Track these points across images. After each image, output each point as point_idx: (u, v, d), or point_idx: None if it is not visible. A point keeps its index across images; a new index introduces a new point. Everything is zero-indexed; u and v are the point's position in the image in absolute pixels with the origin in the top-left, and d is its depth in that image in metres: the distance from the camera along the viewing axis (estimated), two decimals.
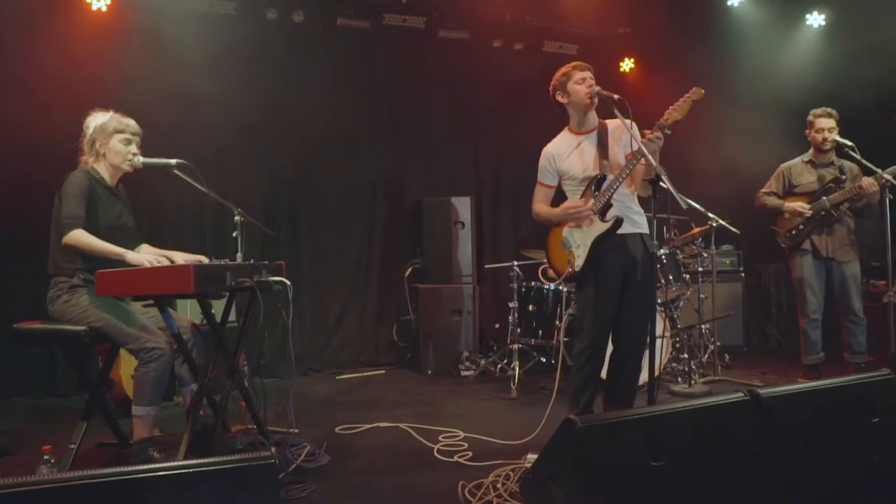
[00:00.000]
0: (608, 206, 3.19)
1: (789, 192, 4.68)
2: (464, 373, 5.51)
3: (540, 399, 4.44)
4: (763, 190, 4.78)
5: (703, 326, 5.21)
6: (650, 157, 2.87)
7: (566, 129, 3.43)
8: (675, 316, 5.14)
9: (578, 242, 3.27)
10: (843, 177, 4.47)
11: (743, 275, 6.44)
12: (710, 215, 4.87)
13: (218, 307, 3.49)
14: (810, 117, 4.56)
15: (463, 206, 5.92)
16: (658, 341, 4.51)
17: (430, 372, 5.60)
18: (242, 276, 2.93)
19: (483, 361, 5.53)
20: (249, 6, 5.46)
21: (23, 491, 1.37)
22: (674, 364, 5.09)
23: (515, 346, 5.07)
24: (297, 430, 3.51)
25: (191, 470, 1.54)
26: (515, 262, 5.24)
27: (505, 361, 5.35)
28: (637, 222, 3.29)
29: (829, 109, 4.51)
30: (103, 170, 3.16)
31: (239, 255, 3.18)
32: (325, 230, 5.86)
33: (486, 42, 6.35)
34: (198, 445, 2.91)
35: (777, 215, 4.69)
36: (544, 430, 3.36)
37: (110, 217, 3.11)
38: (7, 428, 4.00)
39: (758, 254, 6.43)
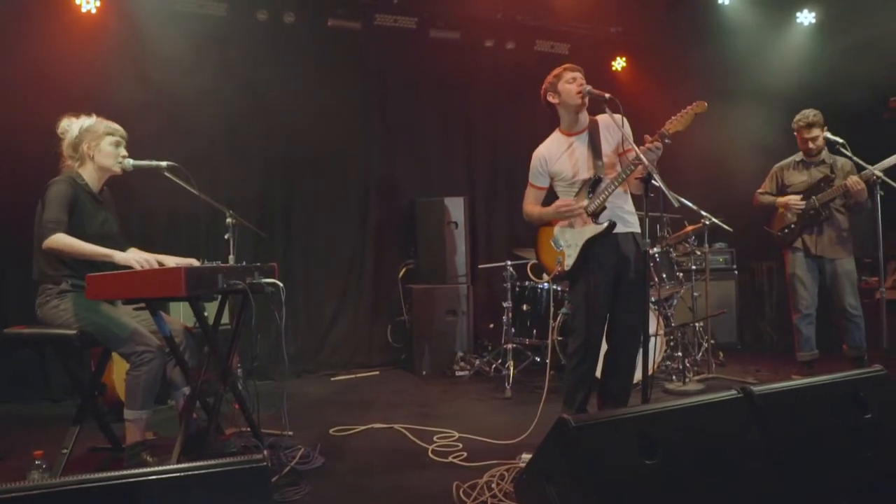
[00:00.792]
0: (602, 208, 3.19)
1: (782, 191, 4.77)
2: (458, 373, 5.50)
3: (535, 399, 4.42)
4: (759, 191, 4.90)
5: (696, 324, 5.22)
6: (649, 164, 2.85)
7: (557, 130, 3.42)
8: (668, 314, 5.16)
9: (570, 242, 3.28)
10: (833, 175, 4.51)
11: (736, 272, 6.48)
12: (703, 213, 4.89)
13: (211, 310, 3.48)
14: (794, 126, 4.60)
15: (456, 207, 5.91)
16: (652, 339, 4.55)
17: (424, 372, 5.60)
18: (234, 279, 2.91)
19: (477, 361, 5.53)
20: (240, 7, 5.44)
21: (14, 497, 1.36)
22: (668, 362, 5.11)
23: (510, 346, 5.07)
24: (291, 432, 3.50)
25: (184, 473, 1.53)
26: (509, 262, 5.23)
27: (499, 361, 5.35)
28: (629, 222, 3.29)
29: (810, 116, 4.48)
30: (89, 174, 3.12)
31: (231, 257, 3.17)
32: (317, 231, 5.84)
33: (478, 42, 6.35)
34: (191, 449, 2.89)
35: (770, 216, 4.79)
36: (538, 430, 3.36)
37: (94, 226, 3.07)
38: None
39: (751, 251, 6.47)
